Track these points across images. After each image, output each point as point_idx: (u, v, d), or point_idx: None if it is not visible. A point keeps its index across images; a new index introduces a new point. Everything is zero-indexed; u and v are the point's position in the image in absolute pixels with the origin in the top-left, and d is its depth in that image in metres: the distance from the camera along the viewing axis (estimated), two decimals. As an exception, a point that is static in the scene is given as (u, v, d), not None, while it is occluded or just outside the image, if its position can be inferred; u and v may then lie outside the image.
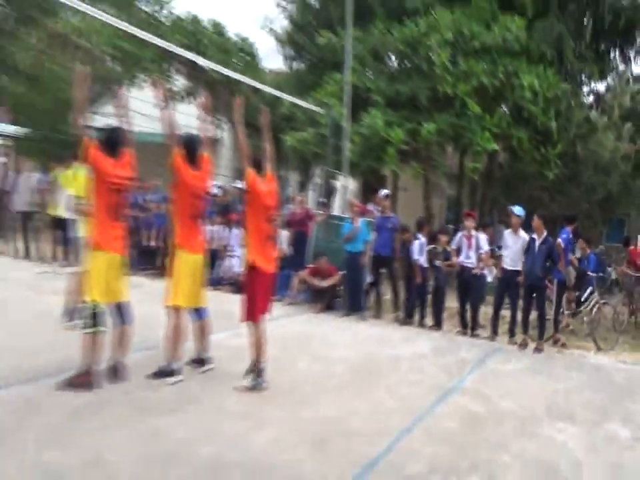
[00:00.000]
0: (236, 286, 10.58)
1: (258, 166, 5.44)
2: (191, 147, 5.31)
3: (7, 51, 20.53)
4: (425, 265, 9.20)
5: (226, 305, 7.17)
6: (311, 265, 10.22)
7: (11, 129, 24.48)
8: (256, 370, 5.27)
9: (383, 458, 4.15)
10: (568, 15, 15.20)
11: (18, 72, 20.11)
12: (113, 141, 5.11)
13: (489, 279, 9.78)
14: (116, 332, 5.15)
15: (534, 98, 13.17)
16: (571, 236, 8.96)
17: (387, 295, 9.85)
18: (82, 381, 4.80)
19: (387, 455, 4.21)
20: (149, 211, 11.65)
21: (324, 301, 9.83)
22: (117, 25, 10.14)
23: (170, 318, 5.30)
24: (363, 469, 3.95)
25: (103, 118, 21.01)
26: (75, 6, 8.82)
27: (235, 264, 10.85)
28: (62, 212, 8.50)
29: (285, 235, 10.65)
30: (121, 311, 5.17)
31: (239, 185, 11.98)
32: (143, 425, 4.31)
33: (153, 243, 11.50)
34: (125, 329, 5.18)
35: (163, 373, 5.22)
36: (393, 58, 15.34)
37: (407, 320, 9.31)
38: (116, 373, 5.09)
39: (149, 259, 11.56)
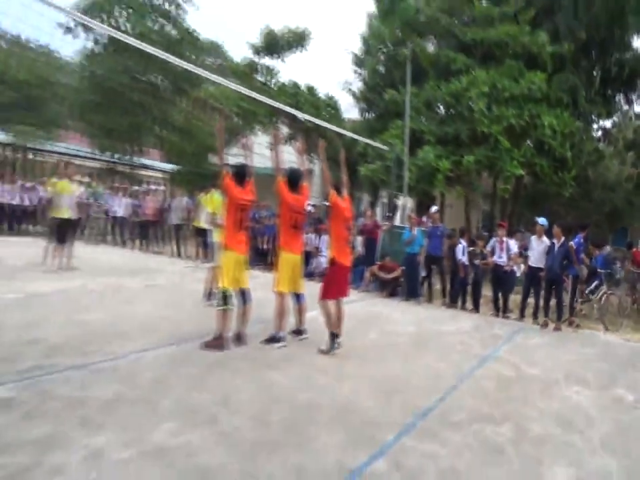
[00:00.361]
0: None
1: (338, 189, 5.47)
2: (292, 177, 5.37)
3: (167, 112, 21.73)
4: (466, 263, 8.93)
5: (316, 292, 7.18)
6: (378, 262, 10.15)
7: (167, 166, 25.83)
8: (331, 337, 5.26)
9: (434, 408, 4.02)
10: (581, 69, 14.38)
11: (173, 127, 21.23)
12: (240, 173, 5.24)
13: (518, 274, 9.32)
14: (240, 310, 5.25)
15: (553, 134, 12.52)
16: (582, 240, 8.51)
17: (437, 286, 9.60)
18: (216, 343, 4.95)
19: (437, 406, 4.07)
20: (262, 223, 11.93)
21: (388, 289, 9.72)
22: (240, 91, 10.45)
23: (276, 300, 5.37)
24: (419, 416, 3.85)
25: (232, 158, 21.86)
26: (212, 79, 9.17)
27: (322, 262, 10.90)
28: (203, 224, 8.80)
29: (359, 239, 10.60)
30: (243, 295, 5.28)
31: (325, 203, 12.07)
32: (258, 376, 4.37)
33: (265, 246, 11.76)
34: (246, 308, 5.29)
35: (272, 340, 5.32)
36: (442, 107, 15.04)
37: (451, 304, 9.05)
38: (239, 339, 5.24)
39: (262, 257, 11.84)
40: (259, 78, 19.01)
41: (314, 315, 5.69)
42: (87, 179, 10.56)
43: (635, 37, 14.90)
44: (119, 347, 4.77)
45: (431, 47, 14.92)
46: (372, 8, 20.04)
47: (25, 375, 3.88)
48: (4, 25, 28.19)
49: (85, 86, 22.40)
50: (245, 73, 18.52)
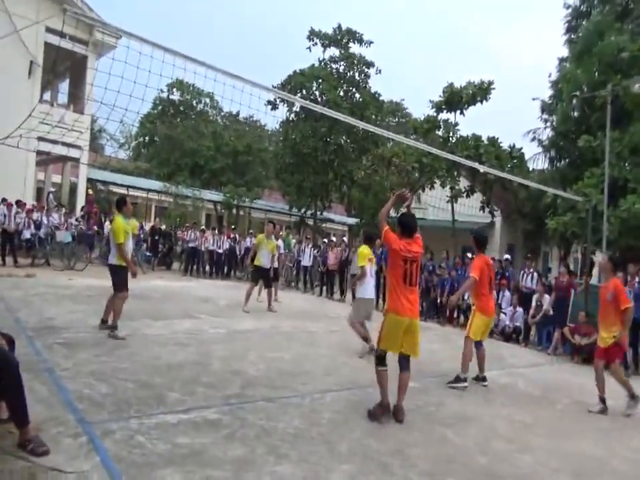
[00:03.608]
0: (504, 335, 10.00)
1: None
2: (405, 221, 4.65)
3: (350, 170, 23.41)
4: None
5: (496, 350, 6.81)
6: (571, 324, 9.09)
7: (349, 220, 27.47)
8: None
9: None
10: None
11: (354, 183, 22.68)
12: (406, 223, 4.64)
13: None
14: (399, 377, 4.54)
15: None
16: None
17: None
18: (377, 413, 4.39)
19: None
20: (440, 275, 11.77)
21: (582, 355, 8.59)
22: (419, 147, 10.82)
23: (465, 345, 5.92)
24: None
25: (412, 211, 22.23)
26: (394, 138, 9.71)
27: (504, 319, 10.24)
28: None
29: (547, 298, 9.71)
30: (402, 361, 4.57)
31: (508, 257, 11.42)
32: (432, 431, 4.30)
33: (442, 299, 11.53)
34: (403, 376, 4.54)
35: (457, 380, 5.75)
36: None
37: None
38: (395, 413, 4.46)
39: (436, 310, 11.64)
40: (439, 133, 19.30)
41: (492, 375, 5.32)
42: (283, 232, 11.97)
43: None
44: (302, 386, 5.17)
45: (637, 87, 13.41)
46: (564, 52, 19.04)
47: (228, 401, 4.47)
48: (225, 107, 34.27)
49: (282, 150, 25.58)
50: (425, 129, 19.00)
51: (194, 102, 35.31)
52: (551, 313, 9.53)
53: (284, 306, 11.01)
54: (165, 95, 33.56)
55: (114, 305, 6.50)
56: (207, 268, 16.61)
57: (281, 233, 11.22)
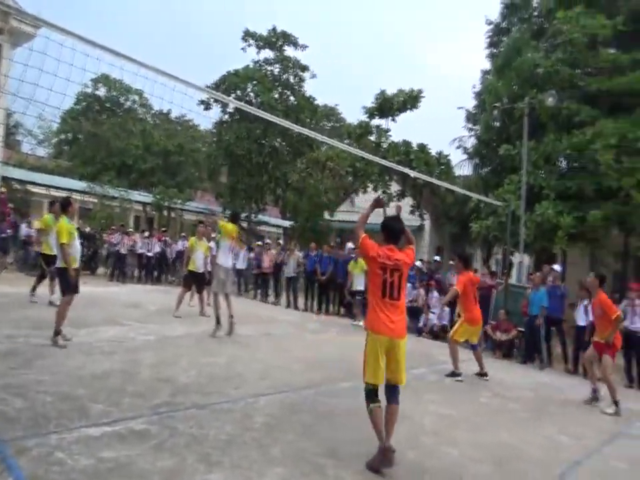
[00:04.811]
0: (433, 334, 10.42)
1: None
2: (389, 225, 4.09)
3: (285, 173, 23.44)
4: (587, 325, 8.21)
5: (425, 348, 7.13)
6: (492, 322, 9.66)
7: (283, 222, 27.48)
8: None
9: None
10: None
11: (289, 185, 22.75)
12: (389, 227, 4.07)
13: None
14: (387, 410, 3.76)
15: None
16: None
17: (558, 349, 8.86)
18: (376, 460, 3.60)
19: (557, 482, 3.74)
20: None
21: (502, 350, 9.17)
22: (353, 152, 11.04)
23: (450, 346, 6.83)
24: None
25: (342, 215, 22.69)
26: (328, 142, 9.82)
27: (432, 318, 10.68)
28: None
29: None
30: (389, 391, 3.83)
31: (437, 258, 11.93)
32: (366, 429, 4.37)
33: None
34: (391, 408, 3.76)
35: (453, 374, 6.65)
36: (562, 161, 14.36)
37: (574, 371, 8.32)
38: (383, 455, 3.59)
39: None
40: (372, 138, 19.82)
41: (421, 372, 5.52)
42: (214, 235, 11.70)
43: None
44: (235, 391, 5.10)
45: (550, 100, 14.51)
46: (486, 65, 20.21)
47: (156, 410, 4.32)
48: (155, 105, 33.10)
49: (216, 151, 25.11)
50: (358, 134, 19.44)
51: (121, 99, 33.82)
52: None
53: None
54: (89, 90, 31.87)
55: (59, 309, 6.30)
56: (136, 272, 15.95)
57: (212, 235, 10.97)
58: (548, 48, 15.22)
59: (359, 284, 10.74)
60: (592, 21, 13.51)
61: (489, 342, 9.58)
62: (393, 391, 3.80)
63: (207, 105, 23.32)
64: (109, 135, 27.84)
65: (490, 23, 19.35)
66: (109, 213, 21.58)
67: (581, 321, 8.40)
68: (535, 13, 17.81)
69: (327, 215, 21.21)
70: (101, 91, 32.90)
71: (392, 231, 4.03)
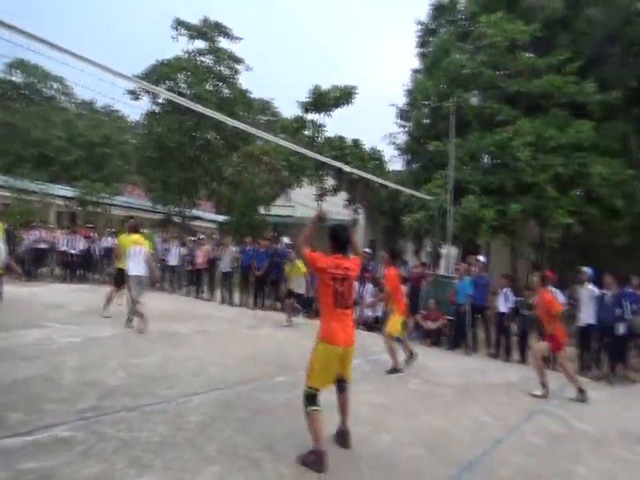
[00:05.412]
0: (367, 325, 10.66)
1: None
2: (336, 233, 4.01)
3: (219, 166, 22.95)
4: (507, 311, 8.82)
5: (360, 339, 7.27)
6: (422, 312, 10.06)
7: (218, 217, 26.98)
8: None
9: (478, 462, 3.92)
10: (631, 117, 14.18)
11: (224, 180, 22.31)
12: (336, 236, 3.99)
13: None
14: (338, 398, 4.00)
15: (603, 182, 12.29)
16: (631, 290, 8.18)
17: (482, 336, 9.39)
18: (311, 459, 3.57)
19: (481, 460, 3.96)
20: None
21: (432, 338, 9.58)
22: (289, 146, 11.02)
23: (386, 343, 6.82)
24: (463, 469, 3.75)
25: (277, 209, 22.63)
26: (262, 136, 9.74)
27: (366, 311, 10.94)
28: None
29: (403, 288, 10.59)
30: (338, 384, 3.96)
31: (368, 250, 12.22)
32: (301, 422, 4.39)
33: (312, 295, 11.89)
34: (343, 396, 4.00)
35: (394, 370, 6.70)
36: (486, 157, 15.13)
37: (496, 355, 8.87)
38: (341, 437, 3.97)
39: (307, 304, 12.00)
40: (307, 132, 19.85)
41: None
42: (146, 231, 11.19)
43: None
44: (167, 390, 4.96)
45: (474, 100, 15.21)
46: (416, 64, 20.83)
47: (82, 416, 4.10)
48: (80, 94, 31.16)
49: (146, 144, 24.12)
50: (294, 128, 19.41)
51: (40, 86, 31.54)
52: (406, 301, 10.41)
53: (148, 308, 10.41)
54: (2, 75, 29.44)
55: None
56: (58, 271, 15.02)
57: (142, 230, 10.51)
58: (473, 50, 15.92)
59: (297, 286, 10.71)
60: (512, 26, 14.27)
61: (419, 330, 9.95)
62: (343, 384, 3.99)
63: (135, 95, 22.31)
64: (26, 124, 25.89)
65: (419, 23, 19.94)
66: (28, 209, 20.12)
67: (502, 307, 8.95)
68: (462, 16, 18.56)
69: (262, 210, 21.03)
70: (18, 77, 30.51)
71: (339, 240, 3.98)
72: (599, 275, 8.02)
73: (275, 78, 78.72)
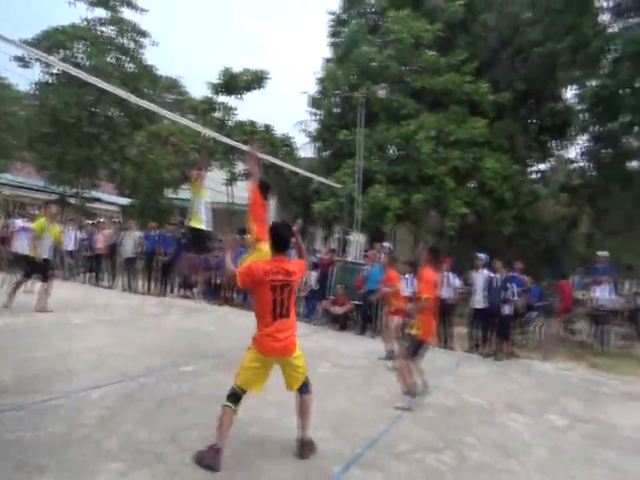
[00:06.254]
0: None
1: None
2: (277, 233, 3.70)
3: (122, 146, 21.54)
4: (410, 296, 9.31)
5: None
6: (331, 297, 10.29)
7: (121, 200, 25.42)
8: None
9: (380, 439, 4.13)
10: (519, 117, 15.53)
11: (128, 160, 21.02)
12: (277, 237, 3.68)
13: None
14: (299, 400, 3.82)
15: (494, 176, 13.36)
16: (519, 275, 9.04)
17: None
18: (208, 456, 3.39)
19: (383, 437, 4.18)
20: (217, 257, 11.85)
21: (340, 323, 9.86)
22: (198, 128, 10.56)
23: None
24: (366, 446, 3.93)
25: (184, 193, 21.80)
26: (169, 116, 9.21)
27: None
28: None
29: (313, 274, 10.75)
30: (301, 388, 3.79)
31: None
32: (208, 411, 4.33)
33: (218, 280, 11.68)
34: (303, 399, 3.81)
35: None
36: (392, 148, 15.73)
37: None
38: (303, 446, 3.71)
39: (215, 292, 11.79)
40: (217, 115, 19.27)
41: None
42: (37, 212, 10.15)
43: (565, 90, 16.30)
44: (64, 385, 4.62)
45: (382, 92, 15.68)
46: (328, 53, 20.99)
47: (-40, 417, 3.70)
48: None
49: (38, 117, 21.93)
50: (203, 110, 18.74)
51: None
52: (316, 287, 10.61)
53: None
54: None
55: None
56: None
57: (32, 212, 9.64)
58: (381, 44, 16.37)
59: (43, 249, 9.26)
60: (417, 24, 14.88)
61: (328, 315, 10.18)
62: (301, 386, 3.74)
63: (24, 63, 20.11)
64: None
65: (331, 13, 20.08)
66: None
67: (404, 292, 9.42)
68: (372, 9, 18.99)
69: (169, 193, 20.17)
70: None
71: (280, 239, 3.65)
72: (489, 260, 8.76)
73: (185, 57, 75.26)
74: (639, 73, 12.45)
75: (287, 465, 3.47)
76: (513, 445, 4.24)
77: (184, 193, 22.04)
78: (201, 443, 3.63)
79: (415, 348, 5.16)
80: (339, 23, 19.92)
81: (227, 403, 3.49)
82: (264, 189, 5.74)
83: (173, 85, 32.94)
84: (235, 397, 3.51)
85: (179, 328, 8.15)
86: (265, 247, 4.77)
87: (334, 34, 20.18)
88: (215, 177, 19.91)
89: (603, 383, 7.03)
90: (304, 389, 3.75)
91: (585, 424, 5.03)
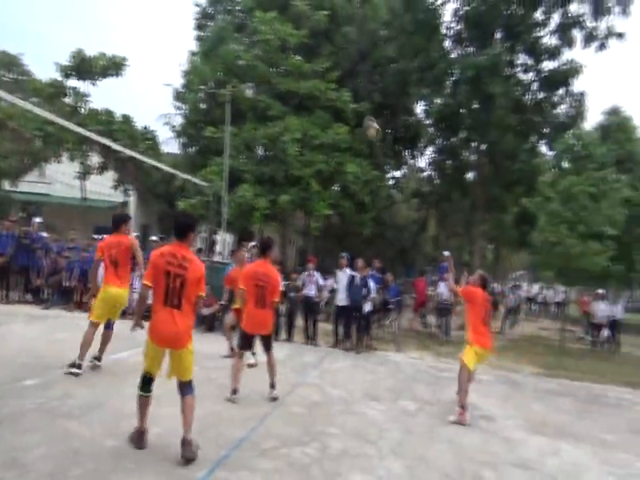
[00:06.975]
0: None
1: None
2: (175, 221, 3.87)
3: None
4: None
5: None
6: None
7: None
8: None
9: (247, 438, 4.11)
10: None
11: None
12: (175, 224, 3.82)
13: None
14: (181, 403, 3.79)
15: (355, 180, 14.20)
16: (376, 273, 9.76)
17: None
18: (132, 437, 3.73)
19: (250, 435, 4.17)
20: (68, 257, 10.72)
21: (207, 324, 9.62)
22: (43, 114, 9.43)
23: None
24: (232, 447, 3.89)
25: (27, 185, 19.40)
26: (6, 98, 8.08)
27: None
28: None
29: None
30: (180, 385, 3.79)
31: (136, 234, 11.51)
32: (55, 428, 3.91)
33: (69, 283, 10.56)
34: (185, 400, 3.78)
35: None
36: (260, 148, 15.82)
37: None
38: (184, 445, 3.63)
39: (66, 296, 10.61)
40: (68, 100, 17.44)
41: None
42: None
43: (416, 105, 18.00)
44: None
45: (249, 92, 15.68)
46: (194, 46, 20.29)
47: None
48: None
49: None
50: (50, 94, 16.81)
51: None
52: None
53: None
54: None
55: None
56: None
57: None
58: (249, 43, 16.34)
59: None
60: (283, 27, 15.15)
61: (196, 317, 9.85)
62: (181, 385, 3.78)
63: None
64: None
65: (197, 6, 19.48)
66: None
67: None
68: (238, 7, 18.82)
69: (7, 185, 17.70)
70: None
71: (178, 226, 3.75)
72: (352, 260, 9.27)
73: (29, 34, 66.62)
74: (474, 96, 14.26)
75: (146, 477, 3.28)
76: (370, 431, 4.54)
77: (27, 185, 19.56)
78: (48, 462, 3.26)
79: (242, 340, 5.37)
80: (204, 16, 19.44)
81: (140, 393, 3.71)
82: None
83: (11, 62, 29.02)
84: (145, 380, 3.72)
85: (20, 337, 7.18)
86: (113, 289, 5.46)
87: (200, 26, 19.63)
88: (65, 168, 18.06)
89: (444, 369, 7.89)
90: (186, 390, 3.78)
91: (431, 406, 5.61)
